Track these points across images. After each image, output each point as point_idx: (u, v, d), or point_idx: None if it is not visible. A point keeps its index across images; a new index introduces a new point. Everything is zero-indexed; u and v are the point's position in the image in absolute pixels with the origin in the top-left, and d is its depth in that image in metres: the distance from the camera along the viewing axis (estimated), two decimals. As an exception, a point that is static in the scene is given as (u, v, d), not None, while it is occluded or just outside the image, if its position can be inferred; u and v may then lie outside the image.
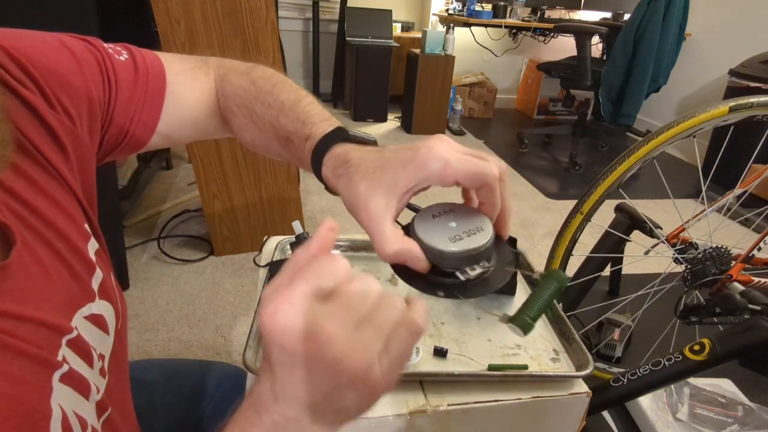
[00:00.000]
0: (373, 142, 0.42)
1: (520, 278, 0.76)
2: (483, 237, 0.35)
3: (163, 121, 0.49)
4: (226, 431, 0.31)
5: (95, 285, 0.41)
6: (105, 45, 0.46)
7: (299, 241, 0.58)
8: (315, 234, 0.31)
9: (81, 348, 0.37)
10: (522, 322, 0.38)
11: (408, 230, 0.36)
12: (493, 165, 0.36)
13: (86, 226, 0.41)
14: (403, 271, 0.35)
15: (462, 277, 0.35)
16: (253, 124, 0.49)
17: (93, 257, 0.41)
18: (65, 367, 0.34)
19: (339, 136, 0.41)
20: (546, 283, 0.38)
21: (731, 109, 1.00)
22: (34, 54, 0.38)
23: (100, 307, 0.41)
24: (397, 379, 0.30)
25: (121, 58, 0.46)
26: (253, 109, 0.49)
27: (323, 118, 0.45)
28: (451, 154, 0.35)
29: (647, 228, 1.28)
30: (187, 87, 0.51)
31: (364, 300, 0.28)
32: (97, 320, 0.40)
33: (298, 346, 0.27)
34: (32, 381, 0.31)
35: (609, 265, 1.47)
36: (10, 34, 0.38)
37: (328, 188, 0.42)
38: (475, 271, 0.35)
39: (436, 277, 0.36)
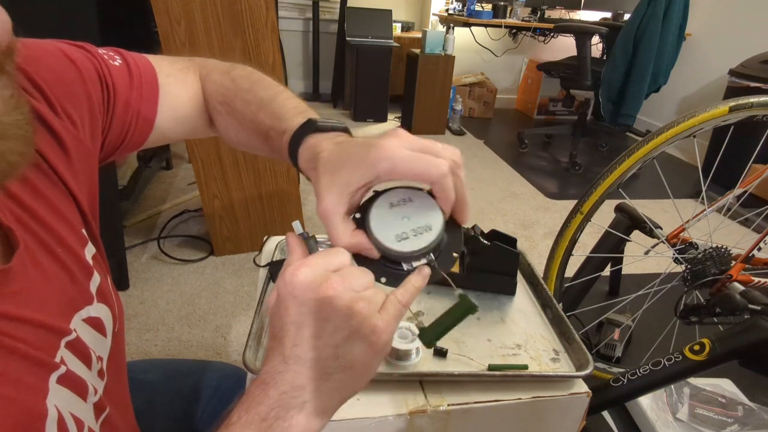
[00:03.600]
0: (343, 129, 0.44)
1: (520, 278, 0.76)
2: (429, 236, 0.36)
3: (158, 121, 0.51)
4: (233, 414, 0.32)
5: (93, 288, 0.41)
6: (99, 51, 0.47)
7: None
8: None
9: (79, 350, 0.37)
10: (426, 338, 0.40)
11: (363, 218, 0.38)
12: (442, 162, 0.36)
13: (84, 231, 0.42)
14: (356, 254, 0.38)
15: (406, 268, 0.37)
16: (236, 120, 0.51)
17: (90, 261, 0.42)
18: (63, 369, 0.34)
19: (310, 127, 0.43)
20: (456, 307, 0.39)
21: (731, 109, 1.00)
22: (38, 64, 0.39)
23: (97, 309, 0.41)
24: (391, 340, 0.35)
25: (116, 63, 0.47)
26: (234, 107, 0.51)
27: (298, 111, 0.46)
28: (400, 154, 0.36)
29: (647, 228, 1.28)
30: (179, 87, 0.53)
31: (364, 274, 0.35)
32: (95, 323, 0.40)
33: (314, 298, 0.32)
34: (28, 382, 0.32)
35: (609, 265, 1.47)
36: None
37: (307, 177, 0.44)
38: (420, 262, 0.37)
39: (384, 264, 0.38)
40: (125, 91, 0.47)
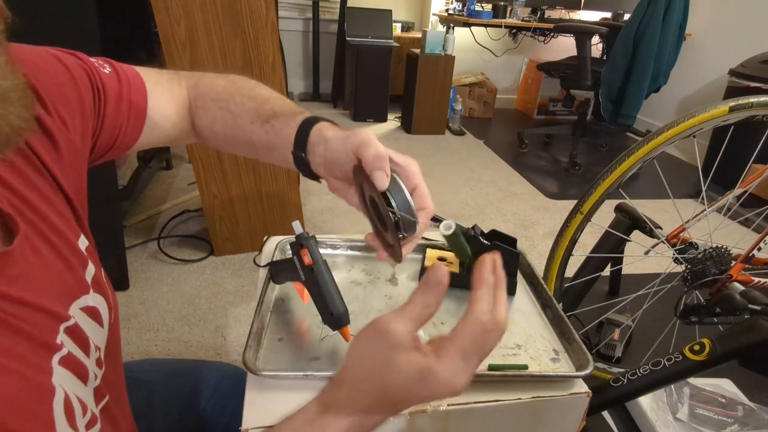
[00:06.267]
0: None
1: (520, 278, 0.76)
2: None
3: (147, 125, 0.53)
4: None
5: (88, 278, 0.43)
6: (90, 59, 0.49)
7: (299, 241, 0.58)
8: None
9: (78, 336, 0.38)
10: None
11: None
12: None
13: (75, 224, 0.43)
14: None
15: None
16: (228, 112, 0.54)
17: (84, 252, 0.43)
18: (65, 351, 0.36)
19: (318, 118, 0.50)
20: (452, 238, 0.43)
21: (731, 109, 1.00)
22: (33, 67, 0.41)
23: (94, 299, 0.42)
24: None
25: (106, 70, 0.50)
26: (231, 100, 0.55)
27: (303, 110, 0.53)
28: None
29: (647, 228, 1.28)
30: (165, 95, 0.55)
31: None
32: (92, 312, 0.42)
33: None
34: (34, 361, 0.33)
35: (609, 265, 1.47)
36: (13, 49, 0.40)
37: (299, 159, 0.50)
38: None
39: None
40: (115, 97, 0.49)
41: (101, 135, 0.49)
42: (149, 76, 0.55)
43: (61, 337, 0.36)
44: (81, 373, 0.38)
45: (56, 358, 0.35)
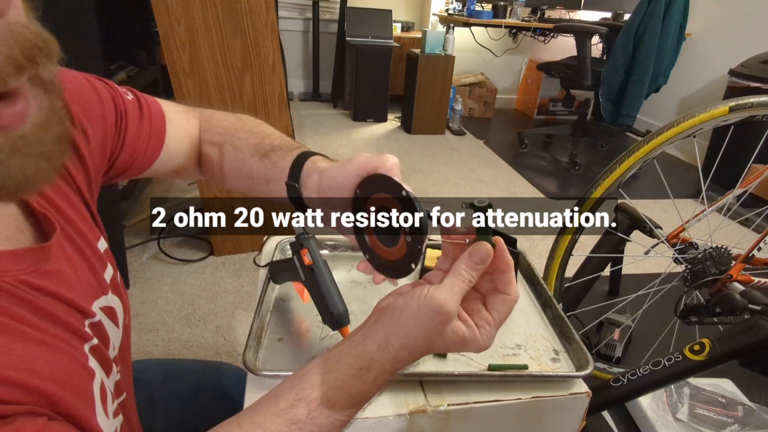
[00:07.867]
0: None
1: (520, 278, 0.76)
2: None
3: (163, 150, 0.56)
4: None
5: (107, 279, 0.44)
6: (116, 86, 0.52)
7: (299, 241, 0.58)
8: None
9: (101, 333, 0.40)
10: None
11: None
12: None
13: (95, 226, 0.46)
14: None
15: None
16: (232, 146, 0.57)
17: (103, 254, 0.45)
18: (94, 341, 0.38)
19: (312, 153, 0.52)
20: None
21: (731, 109, 1.00)
22: (64, 83, 0.43)
23: (112, 300, 0.44)
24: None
25: (128, 97, 0.52)
26: (236, 135, 0.57)
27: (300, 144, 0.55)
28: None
29: (647, 228, 1.28)
30: (183, 123, 0.58)
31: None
32: (110, 312, 0.43)
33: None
34: (74, 345, 0.36)
35: (609, 265, 1.47)
36: None
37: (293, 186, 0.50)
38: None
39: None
40: (136, 121, 0.52)
41: (121, 155, 0.51)
42: (168, 106, 0.58)
43: (88, 330, 0.38)
44: (106, 365, 0.40)
45: (87, 346, 0.37)
